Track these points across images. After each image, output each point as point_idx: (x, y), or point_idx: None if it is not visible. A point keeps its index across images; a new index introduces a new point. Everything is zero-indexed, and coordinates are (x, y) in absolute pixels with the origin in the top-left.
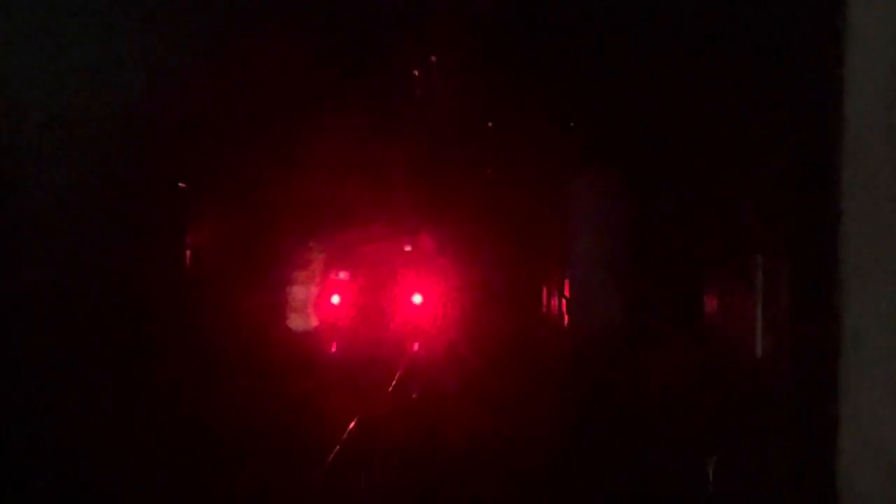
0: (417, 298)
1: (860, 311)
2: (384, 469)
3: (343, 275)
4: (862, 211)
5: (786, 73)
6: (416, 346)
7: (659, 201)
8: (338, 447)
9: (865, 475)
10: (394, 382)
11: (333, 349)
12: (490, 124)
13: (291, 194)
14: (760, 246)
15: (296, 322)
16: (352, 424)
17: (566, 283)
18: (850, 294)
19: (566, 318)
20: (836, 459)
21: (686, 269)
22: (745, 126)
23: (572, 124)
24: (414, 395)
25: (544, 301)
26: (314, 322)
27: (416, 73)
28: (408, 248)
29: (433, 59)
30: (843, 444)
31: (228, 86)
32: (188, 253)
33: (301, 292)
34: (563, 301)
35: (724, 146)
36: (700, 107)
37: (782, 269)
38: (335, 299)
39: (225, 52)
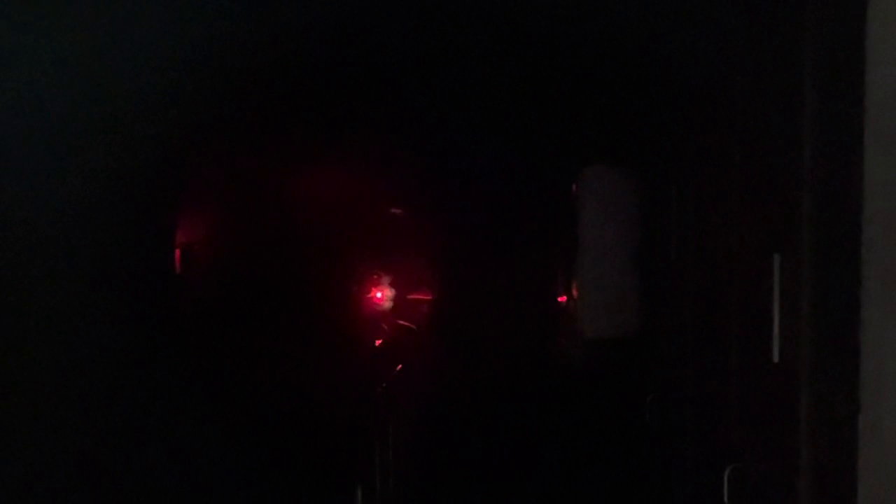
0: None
1: (883, 314)
2: None
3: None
4: (886, 208)
5: (804, 63)
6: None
7: (670, 197)
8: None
9: (886, 485)
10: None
11: (380, 313)
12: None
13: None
14: (778, 245)
15: (360, 303)
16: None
17: (573, 282)
18: (873, 296)
19: (574, 318)
20: (856, 470)
21: (699, 268)
22: (759, 117)
23: (579, 118)
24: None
25: (551, 301)
26: (370, 303)
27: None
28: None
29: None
30: (862, 454)
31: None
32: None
33: (361, 290)
34: (571, 301)
35: (737, 138)
36: (714, 98)
37: (802, 269)
38: (378, 294)
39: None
